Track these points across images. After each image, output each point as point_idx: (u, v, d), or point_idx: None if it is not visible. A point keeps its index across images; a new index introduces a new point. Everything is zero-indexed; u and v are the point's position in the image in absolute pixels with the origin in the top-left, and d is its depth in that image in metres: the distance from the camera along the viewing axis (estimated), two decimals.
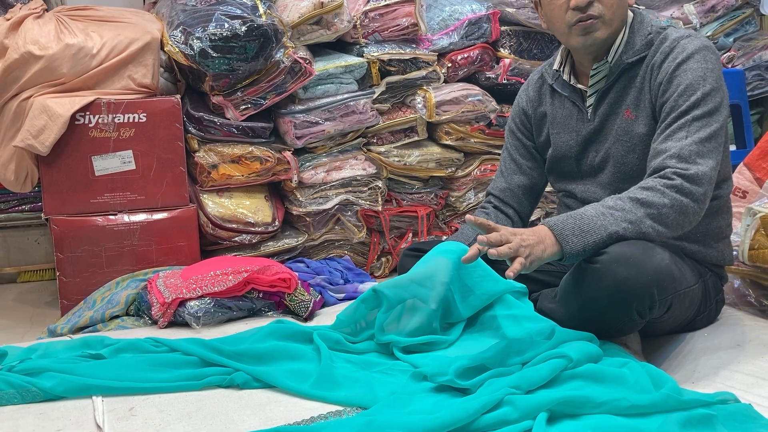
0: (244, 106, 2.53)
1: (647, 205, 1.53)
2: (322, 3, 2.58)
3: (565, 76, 1.81)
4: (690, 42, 1.66)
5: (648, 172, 1.60)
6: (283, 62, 2.51)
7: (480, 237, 1.48)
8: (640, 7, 1.82)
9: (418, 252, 1.94)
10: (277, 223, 2.60)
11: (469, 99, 2.79)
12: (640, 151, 1.70)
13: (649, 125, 1.69)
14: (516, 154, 1.96)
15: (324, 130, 2.64)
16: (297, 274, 2.30)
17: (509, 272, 1.43)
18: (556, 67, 1.83)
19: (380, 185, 2.73)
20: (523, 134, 1.96)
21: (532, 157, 1.95)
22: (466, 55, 2.83)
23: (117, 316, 2.11)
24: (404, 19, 2.74)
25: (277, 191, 2.72)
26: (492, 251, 1.44)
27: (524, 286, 1.74)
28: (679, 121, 1.60)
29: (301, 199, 2.64)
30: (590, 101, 1.77)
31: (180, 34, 2.43)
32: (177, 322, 2.01)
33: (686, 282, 1.59)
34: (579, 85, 1.79)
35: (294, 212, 2.65)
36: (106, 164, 2.42)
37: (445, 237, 1.75)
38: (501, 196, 1.95)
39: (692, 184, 1.54)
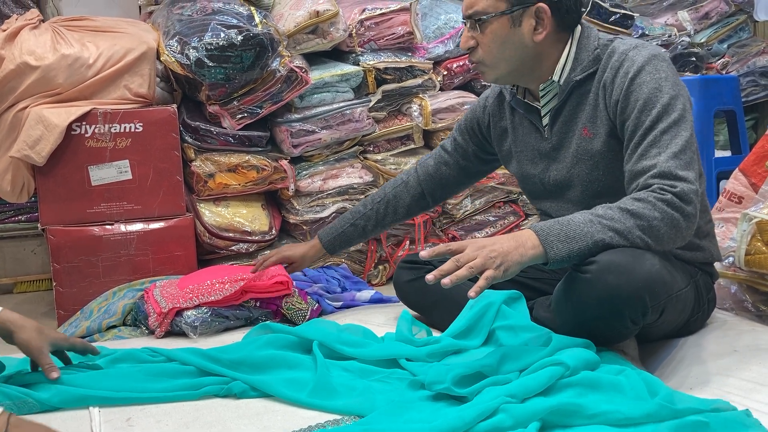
0: (240, 115, 2.53)
1: (637, 217, 1.50)
2: (318, 12, 2.59)
3: (519, 95, 1.79)
4: (638, 53, 1.63)
5: (630, 192, 1.57)
6: (279, 71, 2.51)
7: (430, 276, 1.43)
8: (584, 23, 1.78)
9: (413, 264, 1.94)
10: (274, 231, 2.60)
11: (465, 106, 2.80)
12: (603, 168, 1.68)
13: (608, 143, 1.66)
14: (453, 149, 2.02)
15: (320, 139, 2.65)
16: (294, 281, 2.31)
17: (471, 292, 1.39)
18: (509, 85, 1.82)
19: None
20: (470, 137, 1.98)
21: (466, 158, 2.01)
22: (461, 63, 2.84)
23: (114, 326, 2.11)
24: (400, 28, 2.75)
25: (274, 200, 2.72)
26: (446, 281, 1.40)
27: (519, 292, 1.74)
28: (647, 138, 1.56)
29: (297, 207, 2.65)
30: (545, 120, 1.76)
31: (176, 44, 2.44)
32: (174, 331, 2.01)
33: (678, 285, 1.58)
34: (534, 104, 1.77)
35: (291, 221, 2.65)
36: (102, 174, 2.42)
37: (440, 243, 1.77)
38: (424, 178, 2.06)
39: (682, 201, 1.51)
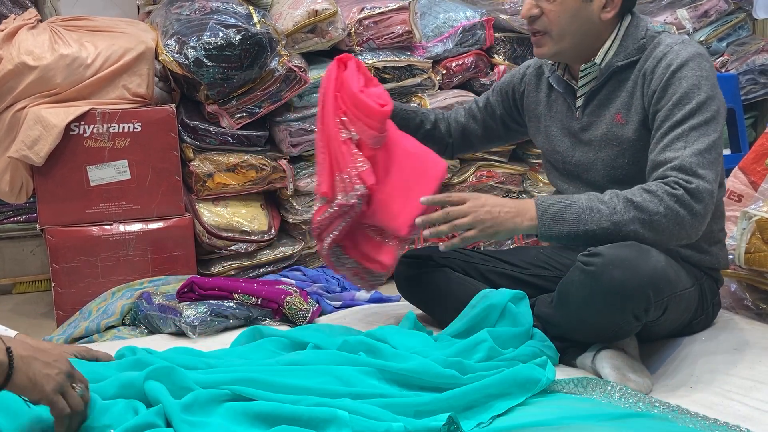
0: (239, 115, 2.53)
1: (640, 210, 1.53)
2: (317, 11, 2.59)
3: (559, 72, 1.81)
4: (683, 48, 1.65)
5: (649, 179, 1.60)
6: (278, 71, 2.51)
7: (419, 219, 1.61)
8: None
9: (414, 259, 1.94)
10: (273, 231, 2.59)
11: (464, 105, 2.79)
12: (630, 156, 1.70)
13: (639, 131, 1.68)
14: (484, 106, 2.04)
15: None
16: (294, 281, 2.30)
17: (441, 246, 1.54)
18: (550, 61, 1.84)
19: None
20: (502, 100, 2.00)
21: (493, 119, 2.02)
22: (460, 62, 2.84)
23: (113, 326, 2.10)
24: (399, 27, 2.74)
25: (273, 199, 2.72)
26: (441, 246, 1.57)
27: (522, 292, 1.73)
28: (675, 131, 1.58)
29: (297, 207, 2.64)
30: (579, 102, 1.78)
31: (174, 44, 2.43)
32: (174, 331, 2.01)
33: (682, 284, 1.59)
34: (572, 83, 1.79)
35: (290, 220, 2.65)
36: (101, 174, 2.41)
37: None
38: (453, 124, 2.06)
39: (693, 199, 1.53)
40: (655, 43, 1.70)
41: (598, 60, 1.72)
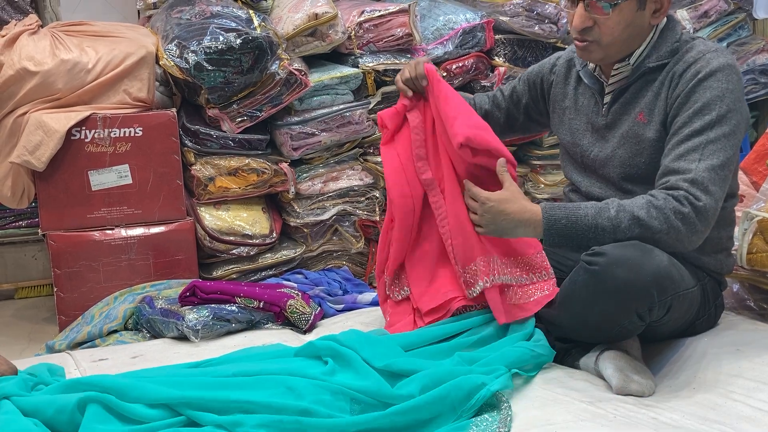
0: (240, 119, 2.53)
1: (644, 228, 1.54)
2: (317, 15, 2.59)
3: (590, 67, 1.80)
4: (715, 57, 1.64)
5: (658, 186, 1.60)
6: (279, 74, 2.51)
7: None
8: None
9: None
10: (274, 234, 2.59)
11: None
12: (647, 156, 1.70)
13: (660, 132, 1.68)
14: (509, 95, 2.03)
15: (320, 141, 2.64)
16: (296, 285, 2.30)
17: None
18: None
19: (377, 195, 2.73)
20: (529, 89, 1.99)
21: (518, 108, 2.02)
22: (460, 64, 2.84)
23: (115, 331, 2.10)
24: (399, 30, 2.74)
25: (274, 203, 2.72)
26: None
27: None
28: (692, 141, 1.58)
29: (298, 210, 2.64)
30: (607, 98, 1.78)
31: (175, 48, 2.43)
32: (176, 335, 2.01)
33: (685, 284, 1.59)
34: (602, 78, 1.78)
35: (291, 224, 2.65)
36: (102, 179, 2.42)
37: None
38: (476, 111, 2.01)
39: (698, 217, 1.54)
40: (688, 47, 1.69)
41: (632, 60, 1.73)
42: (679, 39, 1.71)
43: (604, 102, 1.78)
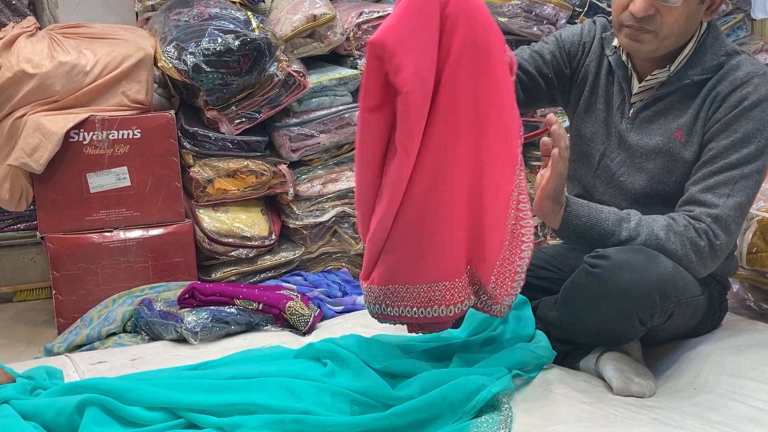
0: (238, 121, 2.53)
1: (660, 248, 1.53)
2: (315, 16, 2.58)
3: (624, 57, 1.69)
4: (763, 84, 1.56)
5: (680, 211, 1.58)
6: (277, 76, 2.51)
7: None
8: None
9: None
10: (273, 236, 2.59)
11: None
12: (679, 175, 1.63)
13: (696, 154, 1.61)
14: (549, 59, 1.76)
15: (319, 143, 2.64)
16: (296, 286, 2.30)
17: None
18: (615, 43, 1.69)
19: None
20: (567, 57, 1.77)
21: (553, 74, 1.77)
22: None
23: (114, 333, 2.10)
24: None
25: (273, 205, 2.71)
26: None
27: (524, 297, 1.73)
28: (725, 174, 1.55)
29: (297, 212, 2.64)
30: (635, 99, 1.67)
31: (173, 50, 2.43)
32: (175, 338, 2.00)
33: (690, 291, 1.58)
34: (634, 74, 1.67)
35: (291, 225, 2.65)
36: (101, 181, 2.41)
37: None
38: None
39: (711, 254, 1.55)
40: (734, 64, 1.60)
41: (672, 67, 1.63)
42: (726, 52, 1.61)
43: (632, 102, 1.68)
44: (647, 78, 1.66)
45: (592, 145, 1.75)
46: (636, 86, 1.68)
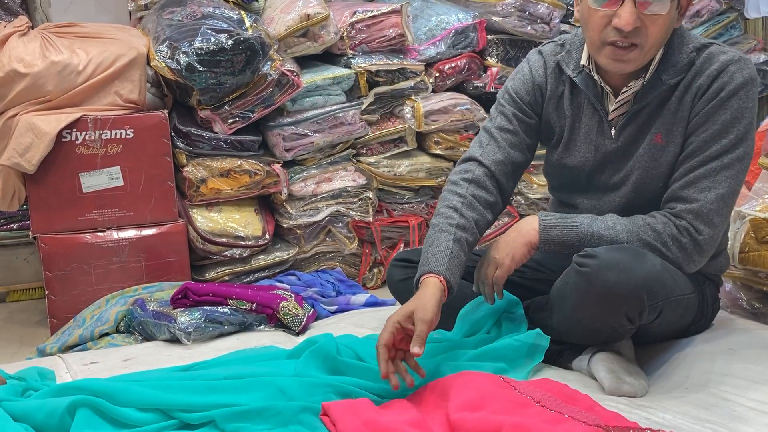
0: (231, 120, 2.52)
1: (643, 243, 1.54)
2: (309, 15, 2.58)
3: (596, 76, 1.61)
4: (739, 71, 1.53)
5: (663, 209, 1.58)
6: (271, 75, 2.50)
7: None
8: None
9: (406, 262, 1.93)
10: (267, 236, 2.59)
11: (458, 108, 2.80)
12: (665, 179, 1.61)
13: (678, 154, 1.59)
14: (517, 126, 1.70)
15: (313, 142, 2.64)
16: (289, 286, 2.30)
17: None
18: (584, 62, 1.62)
19: (371, 196, 2.72)
20: (530, 109, 1.70)
21: (530, 136, 1.72)
22: (453, 65, 2.84)
23: (107, 334, 2.09)
24: (391, 30, 2.74)
25: (267, 204, 2.71)
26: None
27: (517, 298, 1.73)
28: (705, 167, 1.53)
29: (291, 211, 2.64)
30: (613, 115, 1.62)
31: (166, 49, 2.42)
32: (168, 338, 2.00)
33: (680, 289, 1.58)
34: (606, 87, 1.61)
35: (284, 225, 2.64)
36: (93, 181, 2.40)
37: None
38: (494, 168, 1.67)
39: (695, 249, 1.54)
40: (706, 57, 1.56)
41: (647, 75, 1.57)
42: (694, 48, 1.57)
43: (610, 119, 1.63)
44: (623, 90, 1.60)
45: (577, 173, 1.71)
46: (612, 102, 1.63)
